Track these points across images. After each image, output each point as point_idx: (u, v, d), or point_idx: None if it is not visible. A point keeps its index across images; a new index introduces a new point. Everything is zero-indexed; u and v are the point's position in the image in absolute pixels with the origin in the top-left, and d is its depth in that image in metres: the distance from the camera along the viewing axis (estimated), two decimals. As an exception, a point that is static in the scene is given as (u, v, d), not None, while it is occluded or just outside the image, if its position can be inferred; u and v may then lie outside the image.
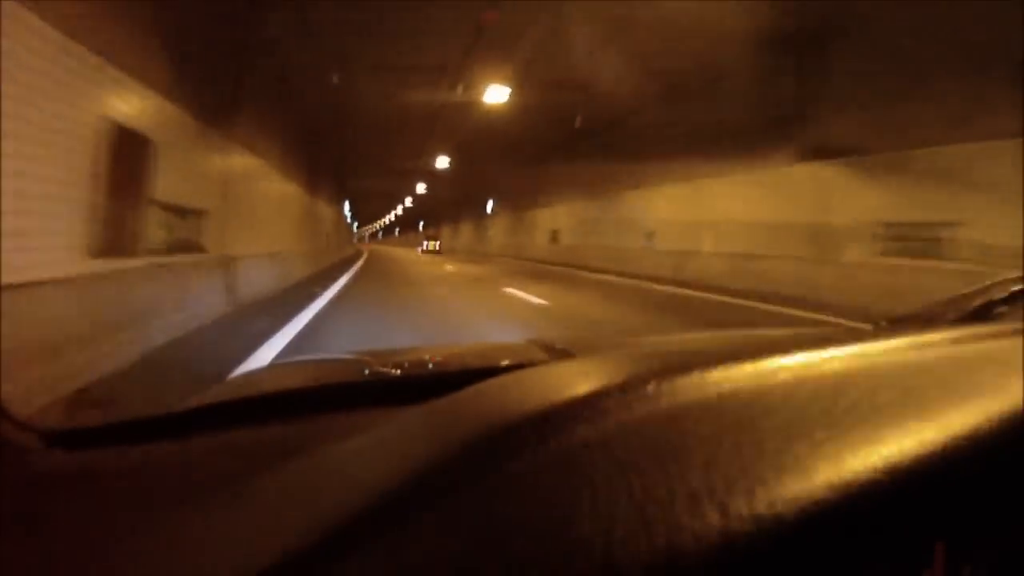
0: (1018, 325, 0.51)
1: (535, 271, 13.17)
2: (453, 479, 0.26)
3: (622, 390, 0.30)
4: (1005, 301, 0.71)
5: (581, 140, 11.72)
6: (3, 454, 0.48)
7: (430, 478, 0.26)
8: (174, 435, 0.52)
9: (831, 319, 5.51)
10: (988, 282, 0.75)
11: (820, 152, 7.55)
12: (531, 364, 0.55)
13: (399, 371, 0.88)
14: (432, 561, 0.23)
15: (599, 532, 0.21)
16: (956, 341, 0.42)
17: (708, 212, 10.32)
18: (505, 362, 0.77)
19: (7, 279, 2.34)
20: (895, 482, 0.23)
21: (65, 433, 0.53)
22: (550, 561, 0.21)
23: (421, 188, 25.65)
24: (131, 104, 3.77)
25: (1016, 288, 0.72)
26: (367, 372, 0.86)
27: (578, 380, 0.33)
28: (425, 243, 30.97)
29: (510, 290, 8.15)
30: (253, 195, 7.45)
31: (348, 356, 1.10)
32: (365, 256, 22.08)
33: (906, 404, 0.28)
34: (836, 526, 0.22)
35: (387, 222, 58.58)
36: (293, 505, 0.31)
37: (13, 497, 0.43)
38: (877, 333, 0.55)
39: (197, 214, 5.19)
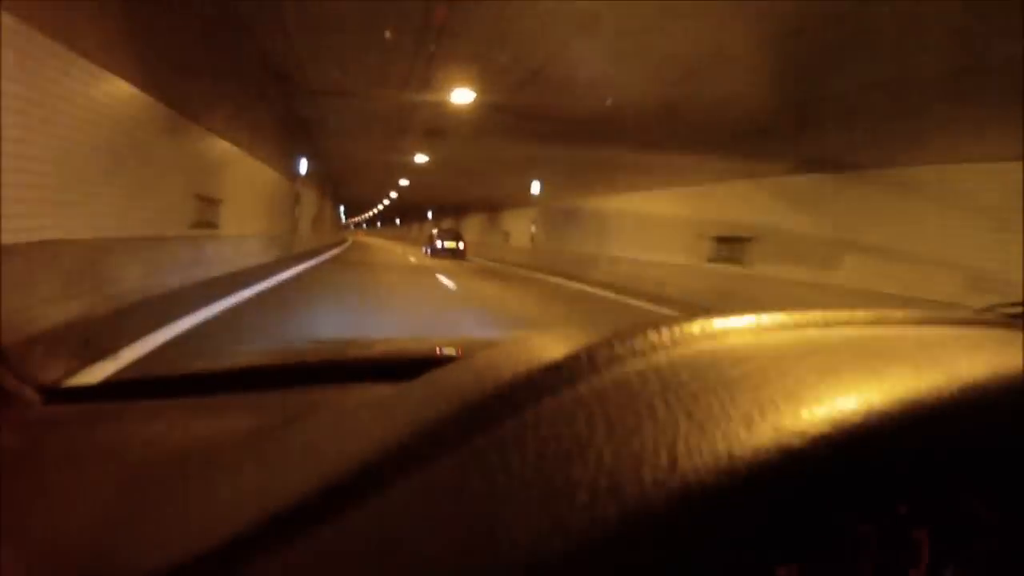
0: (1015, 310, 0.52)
1: (482, 268, 15.13)
2: (441, 441, 0.26)
3: (617, 341, 0.30)
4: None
5: (471, 181, 15.48)
6: (3, 406, 0.50)
7: (417, 440, 0.27)
8: (167, 396, 0.55)
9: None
10: (987, 305, 0.75)
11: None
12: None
13: (395, 352, 0.91)
14: (416, 525, 0.23)
15: (585, 485, 0.21)
16: (961, 323, 0.42)
17: (630, 222, 12.11)
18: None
19: (171, 232, 5.37)
20: (892, 433, 0.23)
21: (64, 389, 0.56)
22: (540, 525, 0.21)
23: (404, 182, 23.41)
24: (210, 146, 6.79)
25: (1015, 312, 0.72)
26: (361, 352, 0.91)
27: (561, 344, 0.33)
28: (438, 242, 19.34)
29: (441, 278, 10.33)
30: (252, 188, 9.26)
31: (337, 342, 1.11)
32: (348, 243, 26.22)
33: (909, 363, 0.28)
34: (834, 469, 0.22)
35: (374, 213, 55.94)
36: (285, 469, 0.32)
37: (11, 448, 0.44)
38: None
39: (215, 203, 7.07)
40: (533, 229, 18.18)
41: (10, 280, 2.85)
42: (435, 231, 20.85)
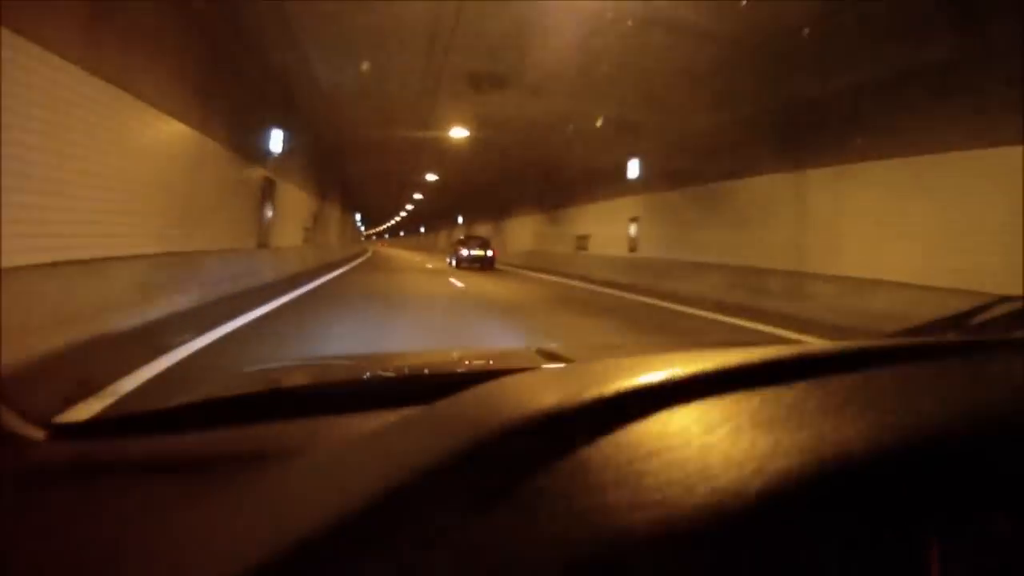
0: (1008, 335, 0.57)
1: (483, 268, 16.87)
2: (448, 485, 0.27)
3: (605, 402, 0.32)
4: (1005, 321, 0.73)
5: (526, 167, 15.84)
6: (5, 445, 0.49)
7: (428, 483, 0.27)
8: (173, 430, 0.53)
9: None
10: (987, 301, 0.76)
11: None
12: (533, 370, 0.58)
13: (400, 374, 0.90)
14: (430, 563, 0.24)
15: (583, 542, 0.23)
16: (941, 354, 0.47)
17: (601, 226, 14.96)
18: (507, 367, 0.78)
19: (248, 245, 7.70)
20: (868, 475, 0.27)
21: (66, 425, 0.54)
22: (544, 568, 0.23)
23: (418, 196, 26.48)
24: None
25: (1015, 308, 0.73)
26: (368, 375, 0.89)
27: (563, 388, 0.34)
28: (464, 250, 17.21)
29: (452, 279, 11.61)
30: (296, 210, 12.02)
31: (349, 358, 1.20)
32: (369, 254, 26.53)
33: (891, 401, 0.32)
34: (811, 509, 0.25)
35: (392, 224, 58.19)
36: (289, 504, 0.31)
37: (15, 487, 0.44)
38: (884, 340, 0.60)
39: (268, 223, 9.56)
40: (633, 231, 13.08)
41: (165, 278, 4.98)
42: (460, 238, 19.54)
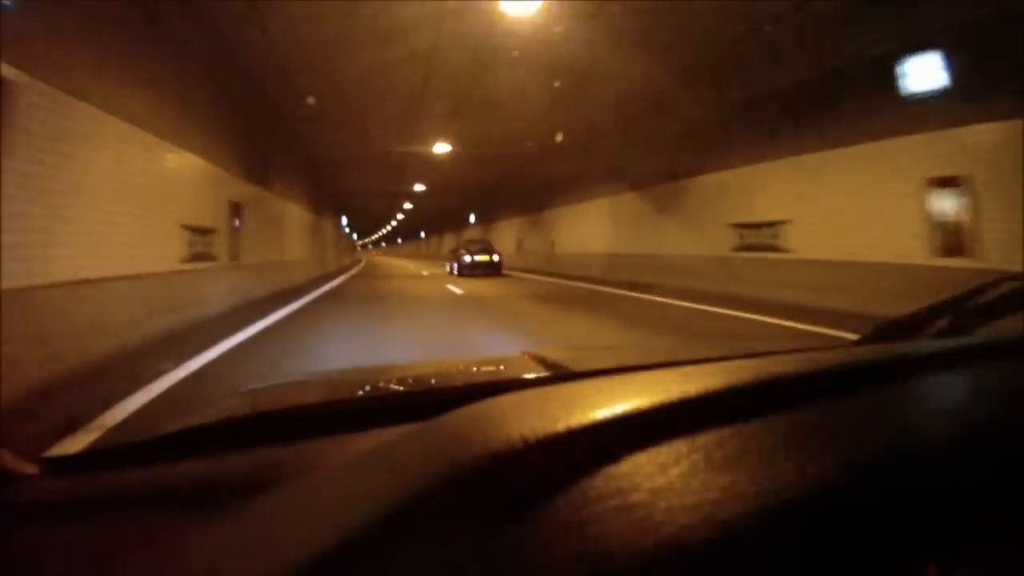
0: (1001, 337, 0.53)
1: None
2: (444, 506, 0.27)
3: (602, 427, 0.32)
4: (1001, 304, 0.68)
5: (505, 179, 16.95)
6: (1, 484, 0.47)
7: (425, 504, 0.27)
8: (166, 459, 0.52)
9: (814, 328, 5.03)
10: (984, 283, 0.71)
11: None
12: (526, 384, 0.61)
13: (399, 389, 0.89)
14: None
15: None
16: (931, 361, 0.44)
17: (577, 228, 15.68)
18: (501, 379, 0.84)
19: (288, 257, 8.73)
20: (852, 500, 0.25)
21: (58, 459, 0.53)
22: None
23: (408, 205, 27.03)
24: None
25: (1011, 289, 0.69)
26: (362, 392, 0.87)
27: (563, 411, 0.34)
28: (466, 256, 15.37)
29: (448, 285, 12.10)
30: (293, 226, 12.81)
31: (343, 373, 1.15)
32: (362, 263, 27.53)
33: (873, 427, 0.30)
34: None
35: (385, 232, 58.54)
36: (288, 532, 0.31)
37: (8, 523, 0.43)
38: (858, 352, 0.57)
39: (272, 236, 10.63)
40: (594, 230, 14.23)
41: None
42: (462, 242, 17.62)
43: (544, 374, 0.79)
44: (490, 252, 15.48)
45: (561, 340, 4.81)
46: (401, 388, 0.89)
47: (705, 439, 0.33)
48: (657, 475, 0.29)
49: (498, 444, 0.30)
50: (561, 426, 0.31)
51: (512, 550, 0.24)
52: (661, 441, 0.32)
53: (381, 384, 0.92)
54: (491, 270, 14.97)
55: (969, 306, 0.70)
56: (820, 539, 0.27)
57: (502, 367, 1.04)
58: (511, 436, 0.31)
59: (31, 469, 0.50)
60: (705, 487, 0.28)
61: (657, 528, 0.25)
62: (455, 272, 15.55)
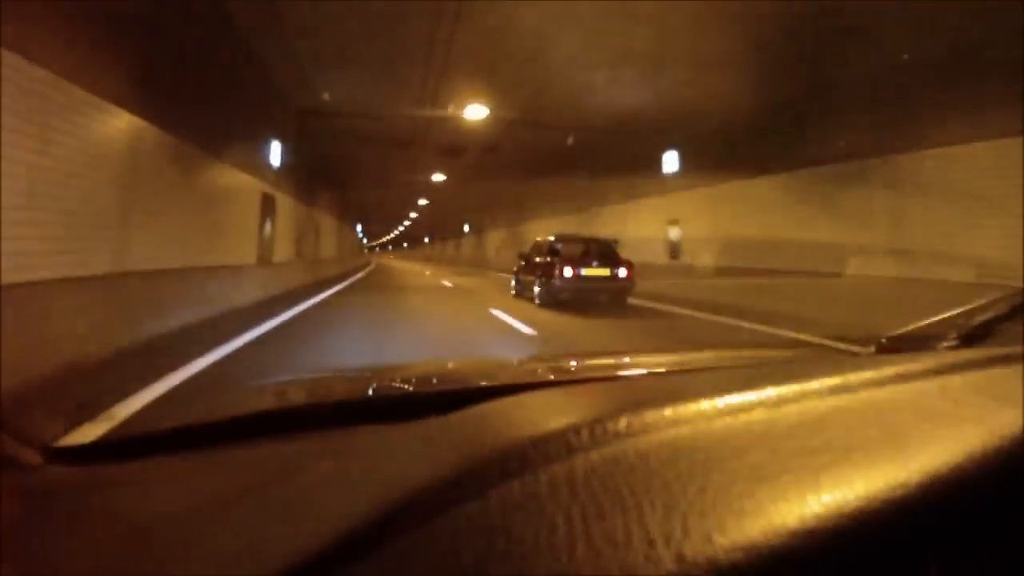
0: (1011, 349, 0.50)
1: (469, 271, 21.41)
2: (432, 504, 0.27)
3: (593, 426, 0.31)
4: (1006, 318, 0.69)
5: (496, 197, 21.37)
6: (3, 469, 0.48)
7: (412, 501, 0.28)
8: (172, 451, 0.53)
9: (820, 341, 4.54)
10: (988, 299, 0.72)
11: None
12: (520, 388, 0.57)
13: (400, 389, 0.91)
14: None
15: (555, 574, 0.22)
16: (942, 370, 0.42)
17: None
18: (502, 382, 0.82)
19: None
20: (862, 526, 0.23)
21: (65, 449, 0.54)
22: None
23: (424, 200, 27.02)
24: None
25: (1016, 304, 0.70)
26: (367, 390, 0.89)
27: (552, 414, 0.36)
28: (566, 268, 7.70)
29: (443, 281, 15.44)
30: (322, 230, 17.35)
31: (352, 371, 1.20)
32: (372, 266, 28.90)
33: (882, 442, 0.28)
34: (799, 571, 0.22)
35: (395, 233, 57.91)
36: (292, 525, 0.31)
37: (13, 511, 0.43)
38: (862, 361, 0.58)
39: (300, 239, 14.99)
40: (673, 234, 12.02)
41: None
42: (547, 244, 8.82)
43: (548, 378, 0.84)
44: (614, 264, 8.21)
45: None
46: (403, 389, 0.91)
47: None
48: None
49: (500, 443, 0.31)
50: (562, 425, 0.31)
51: (516, 547, 0.23)
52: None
53: (386, 384, 0.95)
54: (611, 295, 8.13)
55: (978, 319, 0.70)
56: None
57: (505, 369, 1.10)
58: (512, 436, 0.31)
59: (36, 458, 0.50)
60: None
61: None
62: (522, 292, 9.24)
